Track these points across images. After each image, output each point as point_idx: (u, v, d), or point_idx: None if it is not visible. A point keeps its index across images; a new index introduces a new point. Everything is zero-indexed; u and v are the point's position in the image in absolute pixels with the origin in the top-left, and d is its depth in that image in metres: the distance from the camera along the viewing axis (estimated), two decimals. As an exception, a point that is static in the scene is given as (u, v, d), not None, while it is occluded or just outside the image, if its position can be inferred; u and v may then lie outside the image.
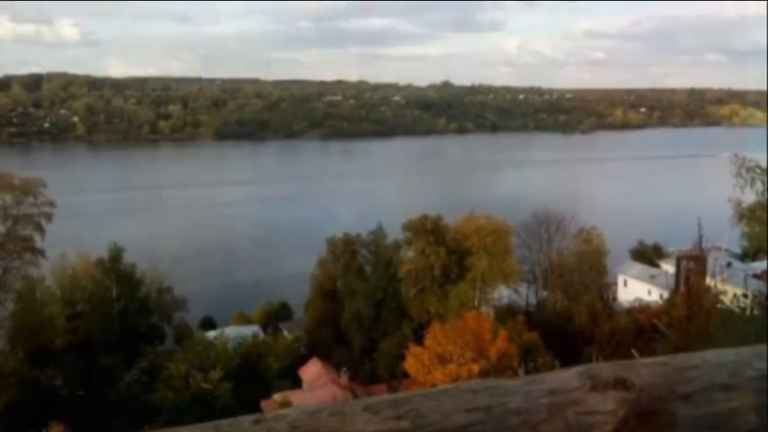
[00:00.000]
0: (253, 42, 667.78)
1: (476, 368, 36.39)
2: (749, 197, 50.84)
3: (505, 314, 53.47)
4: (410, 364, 40.25)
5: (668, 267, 67.24)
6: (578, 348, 26.22)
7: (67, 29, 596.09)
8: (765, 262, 67.76)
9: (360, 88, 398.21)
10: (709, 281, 19.99)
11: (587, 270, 69.89)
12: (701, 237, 19.50)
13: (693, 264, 21.18)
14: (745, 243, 74.73)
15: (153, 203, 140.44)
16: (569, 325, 48.89)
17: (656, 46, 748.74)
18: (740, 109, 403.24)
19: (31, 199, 63.80)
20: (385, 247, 62.44)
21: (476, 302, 56.20)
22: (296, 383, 49.04)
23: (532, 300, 65.15)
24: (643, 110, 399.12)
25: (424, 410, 1.46)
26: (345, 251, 62.14)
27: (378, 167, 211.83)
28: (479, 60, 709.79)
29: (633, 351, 19.92)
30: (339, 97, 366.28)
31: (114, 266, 60.28)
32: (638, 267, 74.92)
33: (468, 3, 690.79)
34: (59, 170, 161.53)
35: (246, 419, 1.46)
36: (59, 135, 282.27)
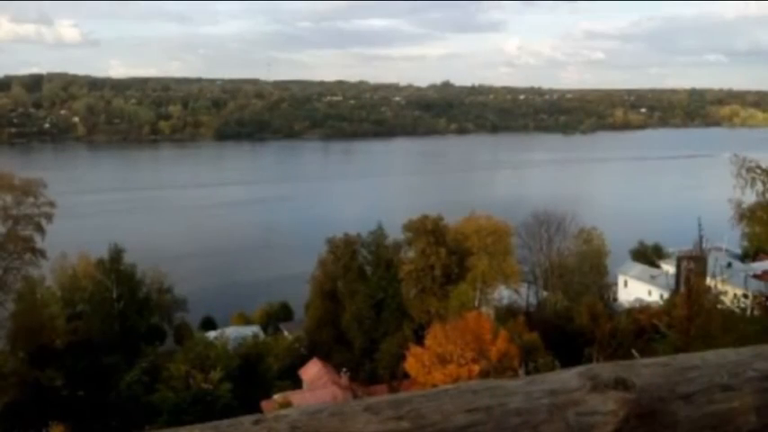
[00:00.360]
0: (253, 42, 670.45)
1: (476, 368, 36.40)
2: (749, 197, 50.82)
3: (506, 314, 53.44)
4: (410, 365, 40.24)
5: (668, 268, 67.22)
6: (579, 349, 26.26)
7: (67, 29, 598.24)
8: (766, 262, 67.78)
9: (360, 88, 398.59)
10: (709, 281, 20.01)
11: (588, 270, 69.94)
12: (701, 237, 19.52)
13: (694, 264, 21.19)
14: (746, 243, 74.68)
15: (153, 204, 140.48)
16: (570, 325, 48.90)
17: (656, 46, 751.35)
18: (740, 109, 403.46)
19: (31, 199, 63.78)
20: (385, 248, 62.36)
21: (476, 303, 56.15)
22: (296, 384, 49.01)
23: (533, 300, 65.12)
24: (643, 110, 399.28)
25: (425, 411, 1.46)
26: (346, 251, 62.06)
27: (378, 168, 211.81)
28: (479, 60, 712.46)
29: (633, 351, 19.94)
30: (339, 97, 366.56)
31: (114, 267, 60.23)
32: (639, 268, 74.89)
33: (468, 3, 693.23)
34: (60, 170, 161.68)
35: (247, 420, 1.46)
36: (60, 135, 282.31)
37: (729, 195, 50.83)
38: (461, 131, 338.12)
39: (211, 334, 57.35)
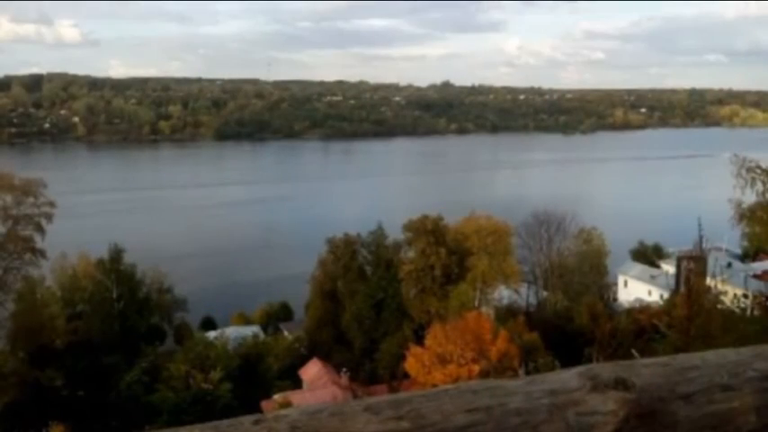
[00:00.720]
0: (253, 42, 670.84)
1: (476, 368, 36.39)
2: (749, 197, 50.79)
3: (506, 314, 53.43)
4: (410, 365, 40.24)
5: (668, 268, 67.22)
6: (579, 349, 26.25)
7: (67, 29, 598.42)
8: (766, 262, 67.76)
9: (360, 88, 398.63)
10: (709, 281, 20.00)
11: (588, 270, 69.93)
12: (701, 237, 19.51)
13: (694, 264, 21.17)
14: (746, 243, 74.67)
15: (153, 204, 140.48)
16: (570, 325, 48.87)
17: (656, 46, 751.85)
18: (740, 109, 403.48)
19: (31, 199, 63.78)
20: (385, 248, 62.36)
21: (476, 303, 56.15)
22: (296, 384, 49.02)
23: (533, 300, 65.10)
24: (643, 110, 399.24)
25: (425, 411, 1.46)
26: (346, 251, 62.07)
27: (378, 168, 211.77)
28: (479, 60, 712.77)
29: (633, 351, 19.93)
30: (339, 97, 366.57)
31: (114, 267, 60.23)
32: (639, 268, 74.88)
33: (468, 3, 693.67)
34: (60, 170, 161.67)
35: (247, 420, 1.46)
36: (60, 135, 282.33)
37: (729, 195, 50.77)
38: (461, 131, 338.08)
39: (211, 334, 57.34)
